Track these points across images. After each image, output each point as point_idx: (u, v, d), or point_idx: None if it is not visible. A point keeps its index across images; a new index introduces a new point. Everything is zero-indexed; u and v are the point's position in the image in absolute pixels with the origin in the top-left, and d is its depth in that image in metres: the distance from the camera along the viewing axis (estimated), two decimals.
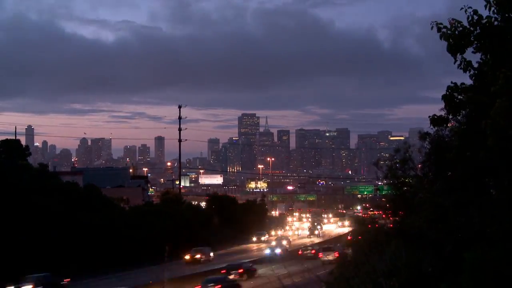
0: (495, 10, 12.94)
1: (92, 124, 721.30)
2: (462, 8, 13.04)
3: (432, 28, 13.40)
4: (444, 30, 13.29)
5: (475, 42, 13.21)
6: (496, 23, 13.05)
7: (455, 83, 13.95)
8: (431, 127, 16.89)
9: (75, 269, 63.54)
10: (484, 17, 12.93)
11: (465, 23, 13.17)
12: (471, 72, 13.58)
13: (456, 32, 13.06)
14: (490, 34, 12.91)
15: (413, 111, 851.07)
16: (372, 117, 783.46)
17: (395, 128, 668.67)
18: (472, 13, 12.96)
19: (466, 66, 13.37)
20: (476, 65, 13.69)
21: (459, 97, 14.03)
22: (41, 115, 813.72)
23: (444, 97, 14.06)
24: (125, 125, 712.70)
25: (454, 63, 13.28)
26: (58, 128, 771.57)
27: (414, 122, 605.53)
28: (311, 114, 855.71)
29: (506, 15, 13.06)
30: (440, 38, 13.28)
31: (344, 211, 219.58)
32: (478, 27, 13.01)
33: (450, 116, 14.98)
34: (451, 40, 13.10)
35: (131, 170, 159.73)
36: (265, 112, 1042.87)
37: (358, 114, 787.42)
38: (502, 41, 12.81)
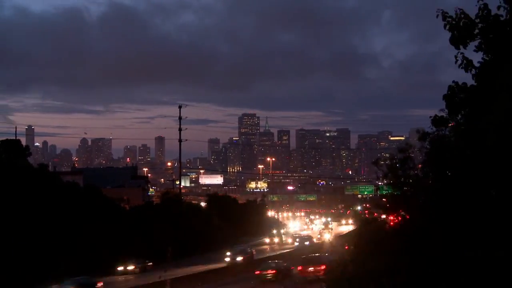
0: (504, 8, 12.84)
1: (116, 124, 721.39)
2: (477, 4, 12.92)
3: (437, 16, 13.28)
4: (449, 19, 13.16)
5: (478, 36, 13.09)
6: (502, 18, 12.93)
7: (457, 82, 13.91)
8: (432, 127, 16.83)
9: (75, 269, 63.47)
10: (492, 14, 12.84)
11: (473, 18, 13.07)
12: (473, 72, 13.49)
13: (461, 23, 12.95)
14: (496, 29, 12.79)
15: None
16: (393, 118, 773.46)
17: (395, 129, 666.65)
18: (482, 6, 12.87)
19: (467, 65, 13.32)
20: (477, 65, 13.61)
21: (460, 95, 13.97)
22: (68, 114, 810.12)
23: (445, 97, 14.02)
24: (149, 125, 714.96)
25: (455, 62, 13.22)
26: (75, 129, 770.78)
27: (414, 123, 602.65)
28: (332, 115, 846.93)
29: None
30: (444, 28, 13.17)
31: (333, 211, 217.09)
32: (484, 23, 12.91)
33: (450, 116, 14.92)
34: (455, 32, 13.00)
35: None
36: (267, 113, 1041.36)
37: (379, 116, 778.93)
38: (507, 36, 12.70)
